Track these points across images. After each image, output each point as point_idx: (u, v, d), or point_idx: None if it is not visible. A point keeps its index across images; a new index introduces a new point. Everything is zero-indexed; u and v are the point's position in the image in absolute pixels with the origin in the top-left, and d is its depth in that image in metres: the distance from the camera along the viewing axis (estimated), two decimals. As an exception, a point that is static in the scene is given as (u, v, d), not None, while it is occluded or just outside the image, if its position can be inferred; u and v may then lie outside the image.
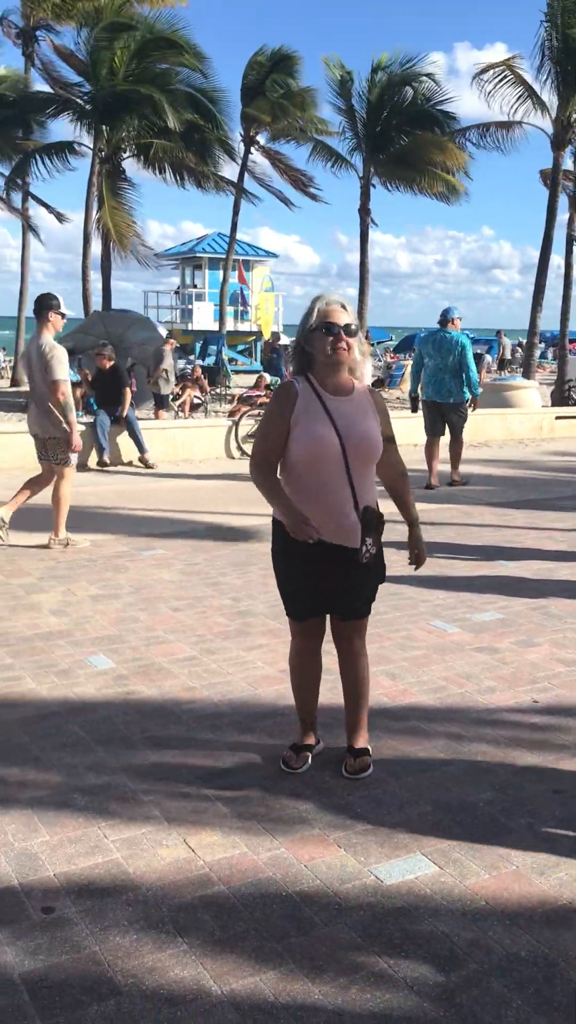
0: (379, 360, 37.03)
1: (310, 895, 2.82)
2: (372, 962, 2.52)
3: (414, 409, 10.55)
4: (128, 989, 2.40)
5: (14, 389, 24.12)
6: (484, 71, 20.20)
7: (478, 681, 4.56)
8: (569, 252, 22.71)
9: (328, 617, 3.61)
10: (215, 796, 3.40)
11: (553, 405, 20.17)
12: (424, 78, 20.53)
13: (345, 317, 3.30)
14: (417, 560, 3.60)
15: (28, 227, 24.80)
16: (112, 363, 12.12)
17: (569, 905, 2.78)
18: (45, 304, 7.06)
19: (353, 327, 3.31)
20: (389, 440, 3.47)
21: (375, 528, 3.38)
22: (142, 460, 11.49)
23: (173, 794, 3.41)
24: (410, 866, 2.98)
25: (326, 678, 3.89)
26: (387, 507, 3.51)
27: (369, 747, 3.69)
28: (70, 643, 5.02)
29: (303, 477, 3.35)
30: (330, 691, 4.11)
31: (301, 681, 3.69)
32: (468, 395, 10.03)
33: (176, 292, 38.75)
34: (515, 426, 15.20)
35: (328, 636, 3.67)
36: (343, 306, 3.31)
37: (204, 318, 35.01)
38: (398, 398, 25.48)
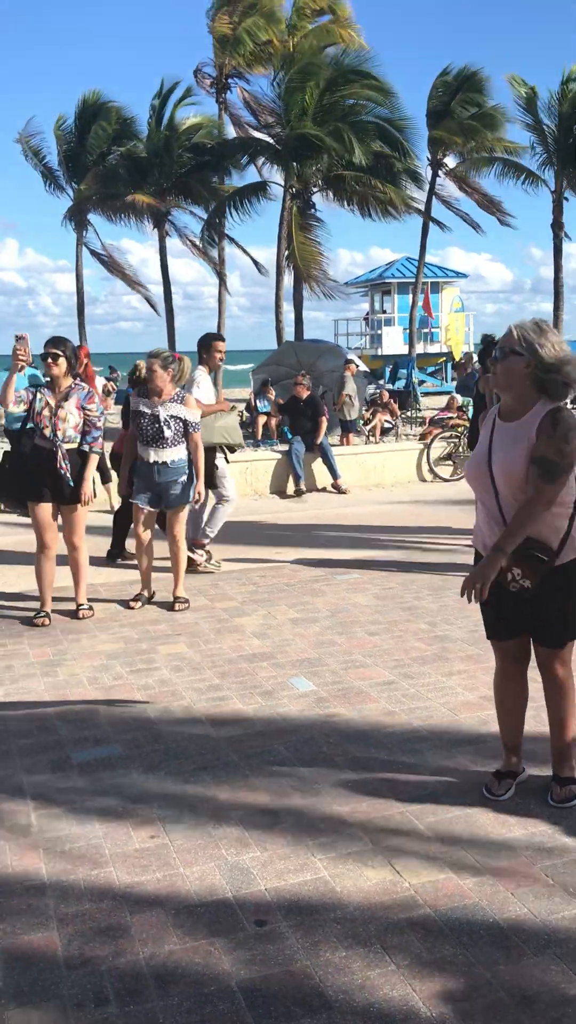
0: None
1: (518, 923, 2.79)
2: (585, 996, 2.47)
3: None
4: (339, 1005, 2.47)
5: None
6: None
7: None
8: None
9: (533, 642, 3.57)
10: (418, 820, 3.43)
11: None
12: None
13: (507, 340, 3.25)
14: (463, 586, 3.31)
15: (220, 276, 25.90)
16: (309, 392, 12.46)
17: None
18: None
19: (509, 348, 3.21)
20: (535, 461, 3.19)
21: (524, 561, 3.25)
22: (335, 486, 11.70)
23: (377, 816, 3.47)
24: (623, 901, 2.89)
25: (531, 705, 3.84)
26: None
27: (576, 776, 3.61)
28: (272, 665, 5.20)
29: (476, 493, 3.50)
30: (534, 719, 4.04)
31: (503, 704, 3.67)
32: None
33: (365, 319, 39.19)
34: None
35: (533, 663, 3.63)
36: (512, 328, 3.25)
37: (393, 342, 35.21)
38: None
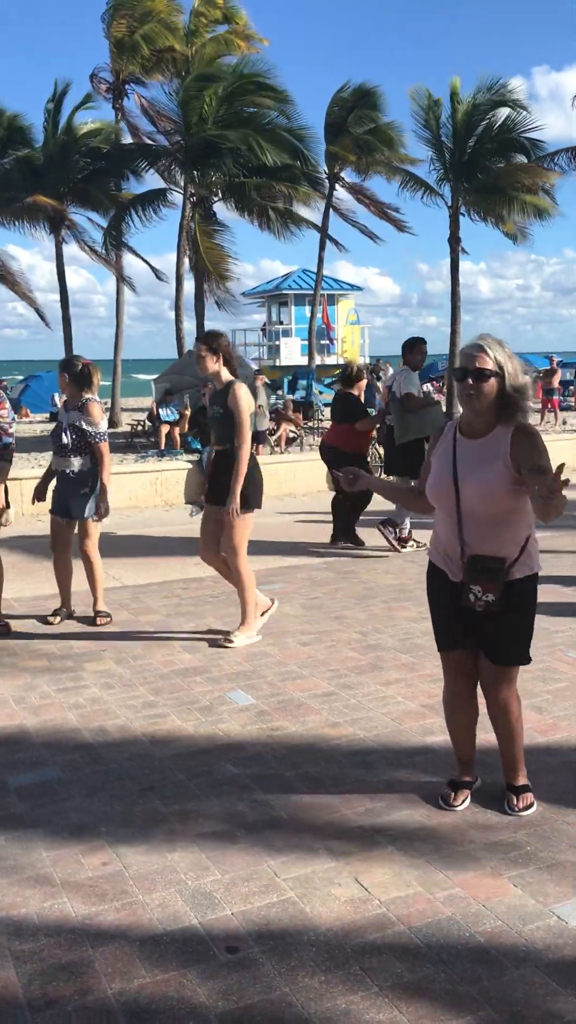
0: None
1: (494, 936, 2.76)
2: (571, 1008, 2.44)
3: None
4: (326, 1032, 2.38)
5: (110, 430, 24.70)
6: None
7: (628, 714, 4.43)
8: None
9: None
10: (379, 834, 3.36)
11: None
12: (510, 105, 20.45)
13: (481, 360, 3.17)
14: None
15: (122, 279, 25.49)
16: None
17: None
18: None
19: (488, 371, 3.17)
20: (538, 471, 3.08)
21: (484, 577, 3.26)
22: (248, 496, 11.60)
23: (337, 832, 3.39)
24: (592, 907, 2.89)
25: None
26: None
27: (529, 783, 3.61)
28: (207, 679, 5.06)
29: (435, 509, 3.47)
30: (482, 727, 4.03)
31: (454, 723, 3.65)
32: None
33: (263, 329, 39.28)
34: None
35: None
36: (484, 348, 3.18)
37: (291, 353, 35.39)
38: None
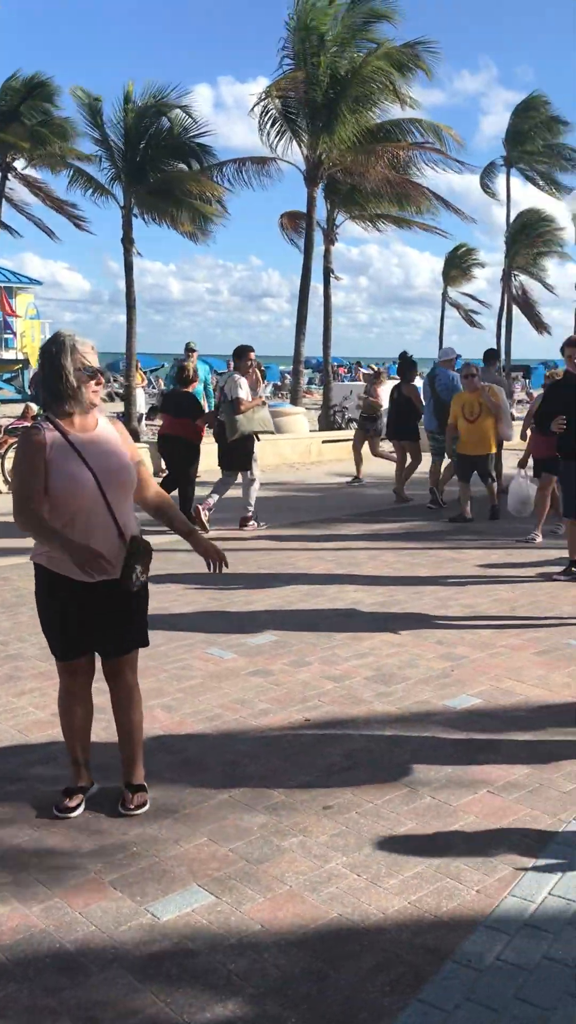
0: (152, 388, 36.99)
1: (85, 943, 2.76)
2: (149, 1003, 2.50)
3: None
4: None
5: None
6: (258, 103, 20.56)
7: (252, 705, 4.65)
8: (327, 283, 23.69)
9: (96, 655, 3.57)
10: (-17, 853, 3.26)
11: (320, 430, 20.91)
12: (179, 110, 20.77)
13: (95, 359, 3.39)
14: (217, 560, 3.61)
15: None
16: None
17: (339, 918, 2.89)
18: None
19: (102, 367, 3.45)
20: (139, 463, 3.53)
21: (143, 556, 3.41)
22: None
23: None
24: (186, 899, 2.98)
25: (98, 716, 3.83)
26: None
27: (144, 783, 3.67)
28: None
29: (66, 517, 3.33)
30: (103, 730, 4.04)
31: (73, 722, 3.62)
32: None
33: None
34: (286, 450, 15.67)
35: (98, 675, 3.63)
36: (92, 347, 3.39)
37: (-35, 347, 33.66)
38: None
